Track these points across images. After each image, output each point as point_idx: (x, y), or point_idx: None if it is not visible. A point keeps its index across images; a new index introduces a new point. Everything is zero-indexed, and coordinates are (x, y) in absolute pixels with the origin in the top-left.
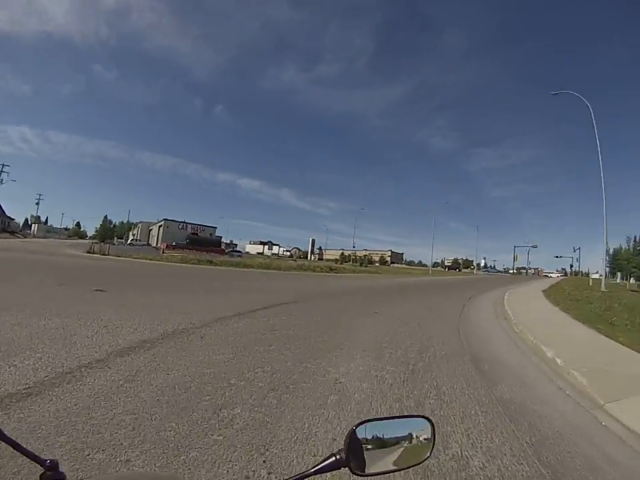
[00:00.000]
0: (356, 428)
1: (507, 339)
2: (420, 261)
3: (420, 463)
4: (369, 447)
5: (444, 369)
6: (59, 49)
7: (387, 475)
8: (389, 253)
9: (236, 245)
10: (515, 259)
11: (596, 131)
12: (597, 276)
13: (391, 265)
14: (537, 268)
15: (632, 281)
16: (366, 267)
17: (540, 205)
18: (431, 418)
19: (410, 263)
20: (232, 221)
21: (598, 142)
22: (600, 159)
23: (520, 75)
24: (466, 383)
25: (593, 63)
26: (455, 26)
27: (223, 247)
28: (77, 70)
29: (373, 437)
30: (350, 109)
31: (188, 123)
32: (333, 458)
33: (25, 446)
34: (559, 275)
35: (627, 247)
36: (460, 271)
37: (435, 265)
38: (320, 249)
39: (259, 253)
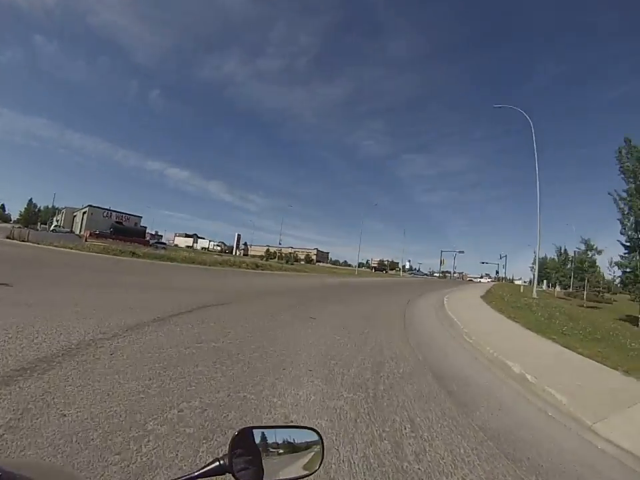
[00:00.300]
0: (238, 434)
1: (463, 350)
2: (345, 261)
3: (310, 474)
4: (254, 454)
5: (409, 393)
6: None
7: None
8: (315, 252)
9: (161, 236)
10: (441, 263)
11: (535, 145)
12: (520, 282)
13: (317, 263)
14: (462, 272)
15: (557, 288)
16: (292, 264)
17: (466, 212)
18: (318, 430)
19: (335, 263)
20: (159, 211)
21: (536, 155)
22: (537, 171)
23: (457, 88)
24: (440, 410)
25: (529, 77)
26: (400, 34)
27: (148, 238)
28: (17, 37)
29: (259, 444)
30: (285, 105)
31: (122, 106)
32: (217, 463)
33: None
34: (489, 279)
35: (554, 257)
36: (386, 272)
37: (360, 265)
38: (245, 244)
39: (188, 246)
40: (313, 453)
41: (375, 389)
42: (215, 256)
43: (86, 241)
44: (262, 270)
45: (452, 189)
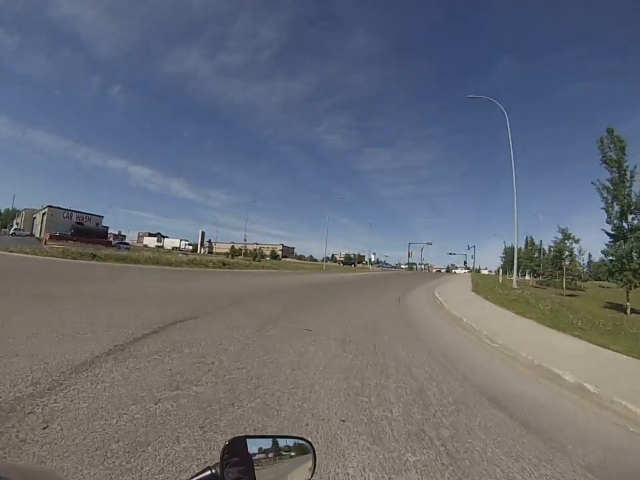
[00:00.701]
0: (230, 443)
1: (492, 356)
2: (311, 256)
3: None
4: (244, 463)
5: (492, 434)
6: None
7: None
8: (281, 247)
9: (124, 236)
10: (409, 255)
11: (510, 136)
12: (486, 272)
13: (283, 259)
14: (427, 264)
15: (527, 277)
16: (259, 261)
17: (429, 204)
18: (310, 440)
19: (300, 258)
20: (122, 211)
21: (511, 146)
22: (512, 162)
23: (419, 82)
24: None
25: (491, 72)
26: (365, 29)
27: (111, 239)
28: None
29: (251, 453)
30: (248, 100)
31: (83, 102)
32: (209, 472)
33: None
34: (465, 271)
35: (521, 247)
36: (355, 266)
37: (327, 259)
38: (210, 242)
39: (158, 246)
40: (305, 463)
41: (445, 443)
42: (180, 255)
43: (45, 244)
44: (229, 269)
45: (415, 182)
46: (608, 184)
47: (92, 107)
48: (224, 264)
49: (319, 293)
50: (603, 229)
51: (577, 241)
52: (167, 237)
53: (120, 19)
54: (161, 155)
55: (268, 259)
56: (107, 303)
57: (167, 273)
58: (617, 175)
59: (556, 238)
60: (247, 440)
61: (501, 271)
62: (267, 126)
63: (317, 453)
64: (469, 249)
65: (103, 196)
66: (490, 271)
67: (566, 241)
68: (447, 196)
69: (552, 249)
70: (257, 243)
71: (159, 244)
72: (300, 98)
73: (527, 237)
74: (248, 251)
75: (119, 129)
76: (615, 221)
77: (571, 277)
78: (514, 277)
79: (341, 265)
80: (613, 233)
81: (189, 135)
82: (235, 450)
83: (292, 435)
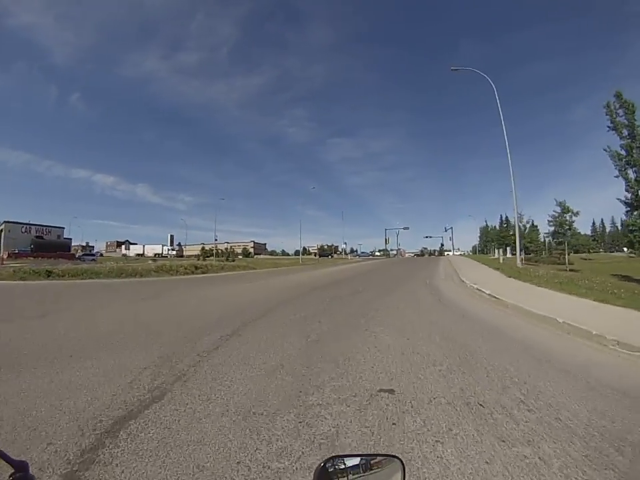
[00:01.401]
0: (324, 464)
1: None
2: (283, 250)
3: None
4: None
5: None
6: None
7: None
8: (252, 244)
9: (92, 247)
10: (386, 242)
11: (500, 111)
12: (459, 253)
13: (255, 256)
14: (399, 249)
15: (508, 254)
16: (232, 261)
17: (397, 190)
18: (401, 457)
19: (272, 253)
20: (88, 221)
21: (502, 120)
22: (506, 137)
23: (381, 70)
24: None
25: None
26: (322, 20)
27: (79, 251)
28: None
29: (342, 474)
30: (208, 99)
31: (43, 113)
32: None
33: None
34: (460, 253)
35: (502, 224)
36: (332, 257)
37: (301, 252)
38: (180, 245)
39: (138, 254)
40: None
41: None
42: (150, 262)
43: (2, 263)
44: (203, 273)
45: (379, 169)
46: (621, 151)
47: (52, 117)
48: (196, 267)
49: (317, 298)
50: (618, 198)
51: (576, 214)
52: (134, 244)
53: (73, 25)
54: (125, 161)
55: (240, 257)
56: (22, 373)
57: (131, 286)
58: (629, 140)
59: (554, 212)
60: (337, 460)
61: (499, 251)
62: (230, 124)
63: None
64: (445, 230)
65: (69, 208)
66: (463, 252)
67: (565, 215)
68: (413, 181)
69: (550, 223)
70: (227, 242)
71: (139, 252)
72: (260, 93)
73: (501, 215)
74: (219, 251)
75: (80, 137)
76: (635, 188)
77: (560, 251)
78: (517, 257)
79: (318, 257)
80: (628, 202)
81: (151, 138)
82: (328, 471)
83: (382, 452)
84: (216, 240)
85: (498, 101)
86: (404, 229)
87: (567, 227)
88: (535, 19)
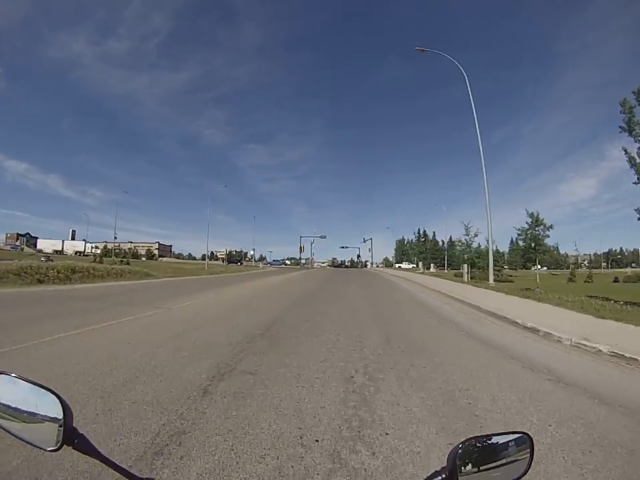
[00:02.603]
0: (460, 446)
1: None
2: (189, 254)
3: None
4: (469, 463)
5: None
6: None
7: None
8: (157, 246)
9: None
10: (301, 250)
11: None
12: (375, 265)
13: (160, 258)
14: (308, 258)
15: (432, 269)
16: (127, 263)
17: (310, 200)
18: (529, 433)
19: (179, 256)
20: None
21: (476, 121)
22: (480, 143)
23: (303, 77)
24: None
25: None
26: (255, 22)
27: None
28: None
29: (474, 455)
30: (129, 91)
31: None
32: (439, 477)
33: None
34: (412, 265)
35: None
36: (241, 264)
37: (203, 257)
38: (63, 242)
39: (56, 251)
40: (522, 457)
41: None
42: (42, 259)
43: None
44: (75, 282)
45: (292, 177)
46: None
47: None
48: (74, 271)
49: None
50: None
51: (549, 228)
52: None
53: None
54: (39, 148)
55: (143, 259)
56: None
57: None
58: None
59: (527, 224)
60: (469, 442)
61: (466, 267)
62: (148, 119)
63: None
64: (364, 241)
65: None
66: (378, 264)
67: (537, 228)
68: (326, 190)
69: (520, 237)
70: (131, 242)
71: (79, 249)
72: (183, 90)
73: (418, 229)
74: (122, 251)
75: None
76: None
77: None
78: (490, 274)
79: (226, 263)
80: None
81: (67, 127)
82: (463, 453)
83: (511, 431)
84: (115, 238)
85: (470, 92)
86: (320, 237)
87: (539, 242)
88: (462, 44)
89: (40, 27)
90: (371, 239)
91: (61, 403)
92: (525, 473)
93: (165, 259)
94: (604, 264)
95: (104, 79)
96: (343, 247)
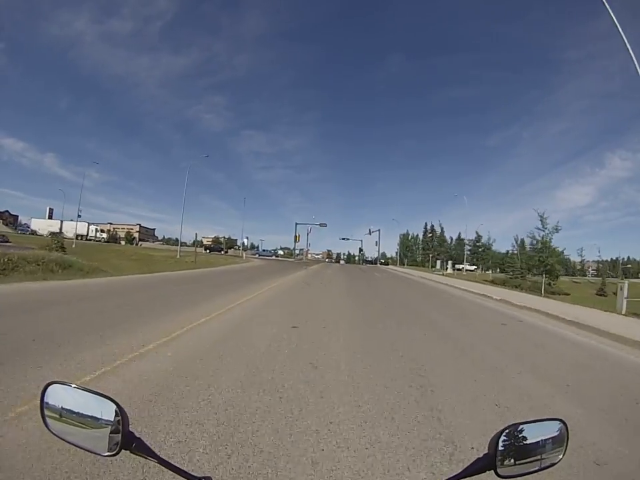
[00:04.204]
0: (501, 432)
1: None
2: (177, 238)
3: (554, 465)
4: (509, 449)
5: None
6: None
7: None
8: (137, 228)
9: None
10: (296, 239)
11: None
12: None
13: (139, 243)
14: (302, 249)
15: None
16: (61, 249)
17: (304, 190)
18: (564, 420)
19: (168, 241)
20: None
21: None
22: None
23: (303, 69)
24: None
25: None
26: (259, 10)
27: None
28: None
29: (512, 442)
30: (129, 72)
31: None
32: (480, 461)
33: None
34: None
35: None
36: (226, 252)
37: (192, 244)
38: (61, 222)
39: (53, 233)
40: (558, 443)
41: None
42: None
43: None
44: None
45: (289, 167)
46: None
47: None
48: None
49: None
50: None
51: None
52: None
53: None
54: (36, 126)
55: (123, 242)
56: None
57: None
58: None
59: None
60: (511, 427)
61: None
62: (146, 102)
63: None
64: (370, 233)
65: None
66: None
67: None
68: (321, 182)
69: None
70: (110, 223)
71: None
72: (183, 74)
73: (425, 224)
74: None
75: None
76: None
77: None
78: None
79: (208, 251)
80: None
81: (65, 106)
82: (500, 439)
83: (547, 417)
84: (79, 217)
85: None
86: (320, 225)
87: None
88: (461, 46)
89: (44, 2)
90: (379, 230)
91: (118, 408)
92: (560, 459)
93: (145, 244)
94: (610, 273)
95: (104, 59)
96: (344, 239)
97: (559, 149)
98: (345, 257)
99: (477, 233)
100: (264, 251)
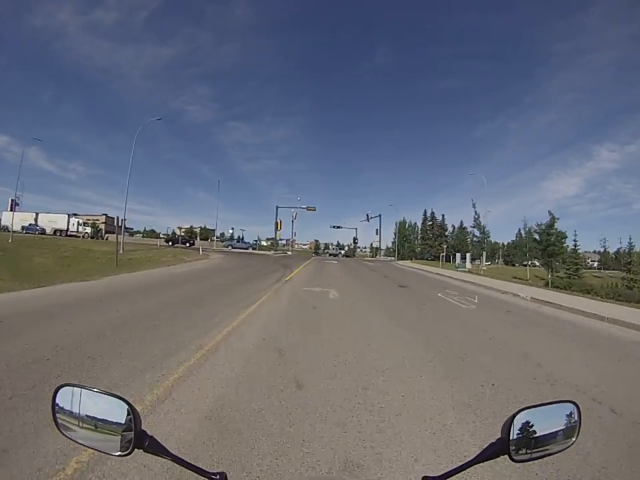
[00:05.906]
0: (514, 417)
1: None
2: (153, 230)
3: (567, 448)
4: (522, 433)
5: None
6: None
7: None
8: (103, 219)
9: None
10: (277, 227)
11: None
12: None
13: (106, 236)
14: (289, 239)
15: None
16: None
17: (291, 180)
18: (576, 402)
19: (149, 235)
20: None
21: None
22: None
23: (290, 58)
24: None
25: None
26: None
27: None
28: None
29: (525, 424)
30: (114, 64)
31: None
32: (494, 446)
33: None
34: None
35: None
36: (193, 244)
37: (173, 236)
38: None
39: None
40: (571, 425)
41: None
42: None
43: None
44: None
45: (275, 157)
46: None
47: None
48: None
49: None
50: None
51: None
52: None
53: None
54: (19, 120)
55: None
56: None
57: None
58: None
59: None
60: (521, 413)
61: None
62: (131, 93)
63: None
64: (368, 220)
65: None
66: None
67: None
68: (306, 172)
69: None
70: (75, 214)
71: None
72: (168, 65)
73: (425, 210)
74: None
75: None
76: None
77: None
78: None
79: (170, 244)
80: None
81: (48, 99)
82: (513, 423)
83: (560, 399)
84: (17, 205)
85: None
86: (307, 209)
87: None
88: (449, 37)
89: None
90: (380, 215)
91: (129, 407)
92: (573, 442)
93: (112, 237)
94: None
95: (88, 51)
96: (335, 227)
97: (545, 141)
98: (334, 248)
99: (550, 214)
100: (237, 242)
